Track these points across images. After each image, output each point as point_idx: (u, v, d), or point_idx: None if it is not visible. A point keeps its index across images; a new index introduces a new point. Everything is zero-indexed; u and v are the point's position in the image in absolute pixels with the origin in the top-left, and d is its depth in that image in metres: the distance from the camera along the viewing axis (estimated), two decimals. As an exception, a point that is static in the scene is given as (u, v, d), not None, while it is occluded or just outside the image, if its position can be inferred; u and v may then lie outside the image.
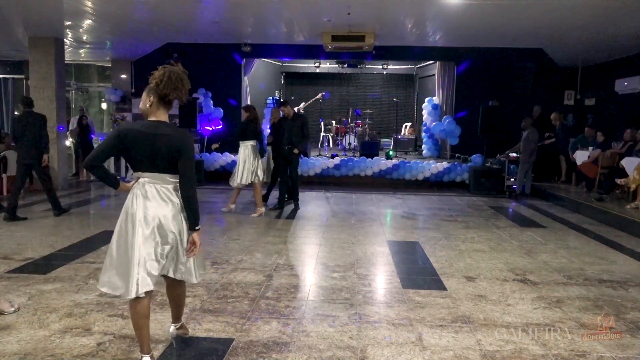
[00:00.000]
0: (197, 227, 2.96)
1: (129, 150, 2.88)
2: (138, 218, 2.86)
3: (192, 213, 2.94)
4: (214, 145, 8.90)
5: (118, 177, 3.10)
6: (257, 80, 14.58)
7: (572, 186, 10.87)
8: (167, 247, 2.95)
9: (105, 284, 2.91)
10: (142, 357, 2.99)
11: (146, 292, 2.89)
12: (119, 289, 2.87)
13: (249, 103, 13.56)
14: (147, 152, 2.87)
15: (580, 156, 10.12)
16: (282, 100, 8.31)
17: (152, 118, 2.96)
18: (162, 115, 2.98)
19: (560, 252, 6.06)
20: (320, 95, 13.79)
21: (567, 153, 11.05)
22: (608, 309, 4.18)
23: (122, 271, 2.86)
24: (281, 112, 8.40)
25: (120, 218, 2.95)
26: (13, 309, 3.84)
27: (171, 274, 3.06)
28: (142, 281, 2.84)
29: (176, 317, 3.40)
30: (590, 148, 9.95)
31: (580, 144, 10.52)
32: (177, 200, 2.95)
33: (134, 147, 2.86)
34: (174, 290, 3.23)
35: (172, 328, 3.43)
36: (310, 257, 5.63)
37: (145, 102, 2.95)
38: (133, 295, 2.84)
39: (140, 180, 2.94)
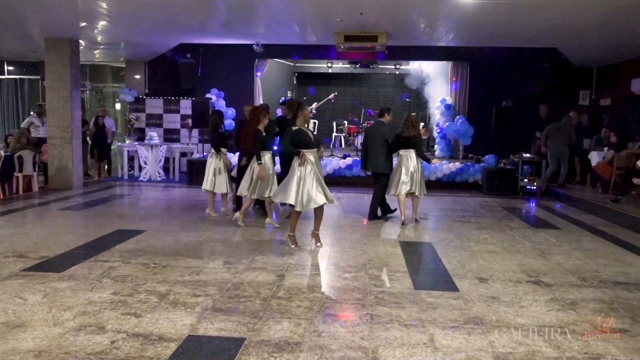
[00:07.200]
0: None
1: (301, 140, 5.80)
2: (307, 170, 5.63)
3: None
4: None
5: (300, 151, 5.70)
6: (269, 80, 14.64)
7: (587, 187, 10.75)
8: (316, 183, 5.61)
9: (276, 198, 5.92)
10: (288, 234, 5.94)
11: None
12: (289, 202, 5.63)
13: (261, 103, 13.63)
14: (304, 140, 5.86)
15: (596, 157, 10.00)
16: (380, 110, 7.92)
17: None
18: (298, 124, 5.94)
19: (575, 254, 6.00)
20: (332, 95, 13.78)
21: (581, 153, 10.92)
22: (623, 312, 4.13)
23: (290, 194, 5.59)
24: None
25: (292, 171, 5.68)
26: None
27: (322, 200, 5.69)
28: (305, 201, 5.60)
29: (316, 227, 5.92)
30: (605, 149, 9.83)
31: (595, 145, 10.39)
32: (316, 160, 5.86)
33: (301, 139, 5.80)
34: (317, 210, 5.75)
35: (311, 232, 6.01)
36: (321, 257, 5.63)
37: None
38: (299, 209, 5.64)
39: (304, 152, 5.68)
